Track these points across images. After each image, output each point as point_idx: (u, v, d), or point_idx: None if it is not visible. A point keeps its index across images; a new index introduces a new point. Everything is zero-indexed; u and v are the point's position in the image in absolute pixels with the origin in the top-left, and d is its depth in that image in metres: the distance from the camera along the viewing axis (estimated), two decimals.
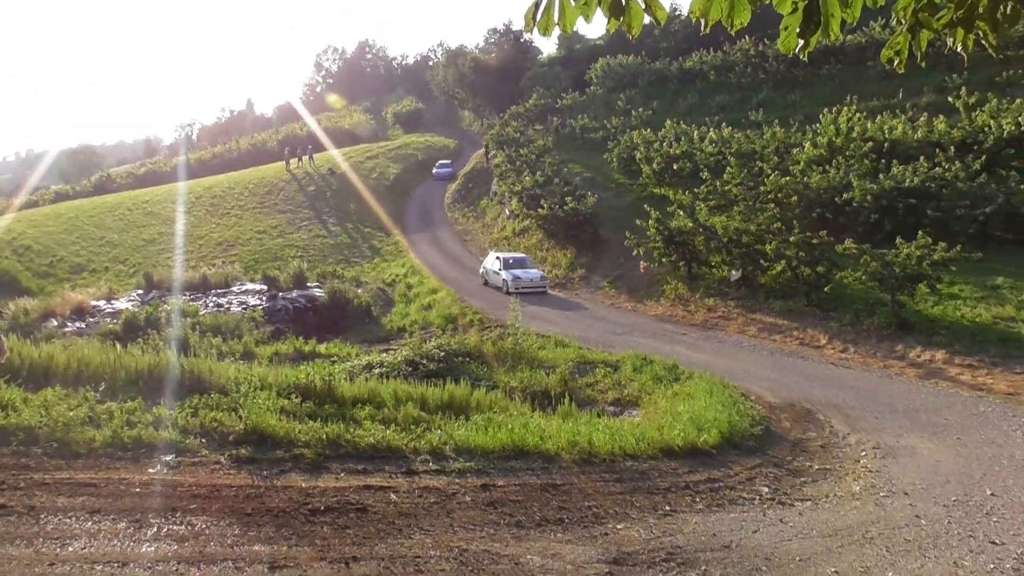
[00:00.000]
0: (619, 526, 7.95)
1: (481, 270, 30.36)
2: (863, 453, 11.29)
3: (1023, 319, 17.83)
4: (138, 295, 27.89)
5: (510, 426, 10.76)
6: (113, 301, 26.52)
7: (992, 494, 9.33)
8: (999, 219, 21.94)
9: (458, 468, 9.09)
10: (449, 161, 52.69)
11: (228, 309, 25.97)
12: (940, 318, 18.87)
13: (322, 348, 20.35)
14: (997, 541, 7.87)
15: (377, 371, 15.72)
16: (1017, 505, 8.94)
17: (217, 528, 6.48)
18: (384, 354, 18.53)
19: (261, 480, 7.94)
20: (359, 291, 29.33)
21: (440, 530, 7.26)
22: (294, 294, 28.10)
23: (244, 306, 26.56)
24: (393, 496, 7.96)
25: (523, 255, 30.63)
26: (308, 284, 29.76)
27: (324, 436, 9.23)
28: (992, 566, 7.25)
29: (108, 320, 22.36)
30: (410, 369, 15.99)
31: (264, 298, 27.71)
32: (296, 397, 10.70)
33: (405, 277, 31.63)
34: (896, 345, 18.17)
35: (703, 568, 6.87)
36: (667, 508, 8.68)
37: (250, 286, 29.89)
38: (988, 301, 19.10)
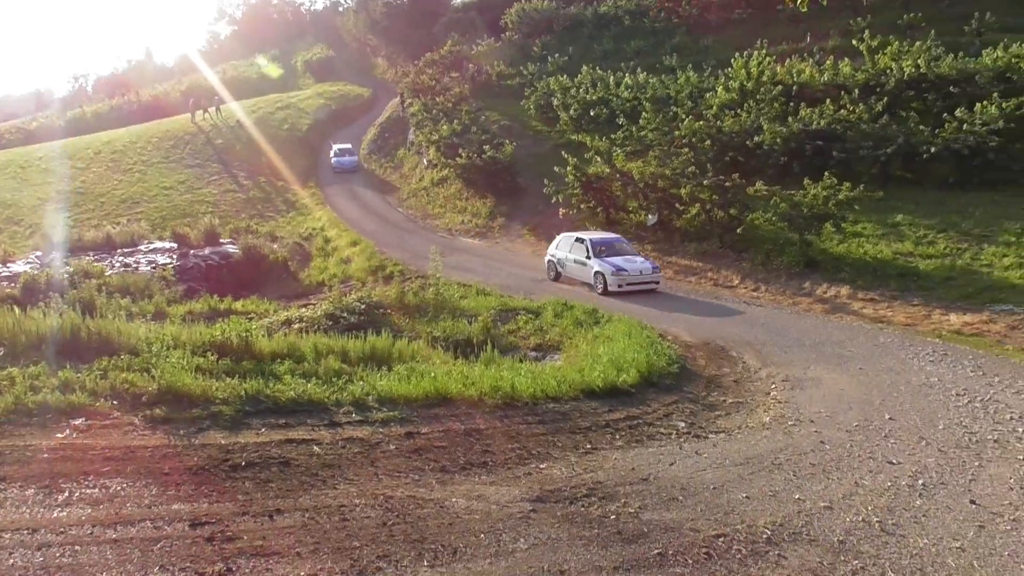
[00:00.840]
0: (542, 466, 8.14)
1: (549, 258, 22.23)
2: (773, 386, 11.78)
3: (920, 254, 18.76)
4: (37, 257, 26.52)
5: (433, 374, 10.81)
6: (9, 264, 25.16)
7: (890, 418, 9.90)
8: (899, 159, 22.84)
9: (382, 418, 9.10)
10: (350, 146, 42.93)
11: (136, 269, 24.99)
12: (844, 255, 19.68)
13: (238, 305, 19.85)
14: (894, 461, 8.39)
15: (297, 326, 15.47)
16: (912, 427, 9.52)
17: (133, 489, 6.35)
18: (303, 309, 18.24)
19: (178, 439, 7.78)
20: (275, 246, 28.63)
21: (365, 479, 7.29)
22: (206, 251, 27.21)
23: (153, 265, 25.61)
24: (316, 448, 7.93)
25: (614, 235, 22.12)
26: (221, 241, 28.85)
27: (243, 392, 9.08)
28: (889, 484, 7.73)
29: (4, 284, 21.23)
30: (330, 323, 15.80)
31: (174, 256, 26.76)
32: (212, 355, 10.46)
33: (322, 231, 31.03)
34: (804, 283, 18.91)
35: (623, 501, 7.11)
36: (588, 446, 8.91)
37: (159, 244, 28.80)
38: (888, 238, 20.00)
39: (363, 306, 17.01)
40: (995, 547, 6.29)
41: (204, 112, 48.18)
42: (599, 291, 19.56)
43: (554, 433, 9.32)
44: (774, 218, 20.73)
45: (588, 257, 20.38)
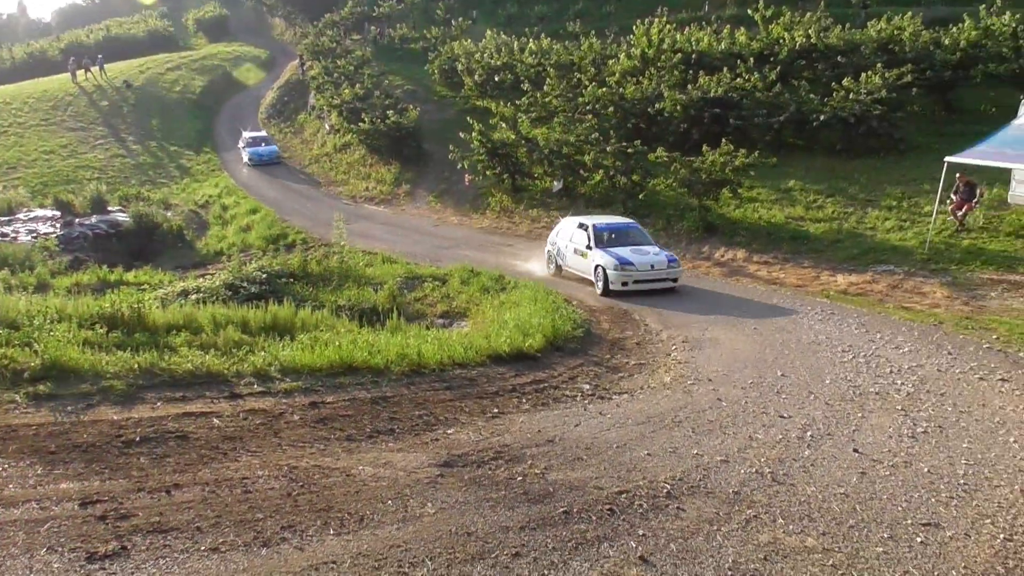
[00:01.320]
0: (449, 431, 8.18)
1: (549, 247, 18.92)
2: (674, 347, 12.15)
3: (810, 218, 19.59)
4: None
5: (338, 343, 10.65)
6: None
7: (782, 375, 10.37)
8: (791, 126, 23.68)
9: (285, 388, 8.94)
10: (265, 133, 37.01)
11: (15, 239, 23.56)
12: (741, 220, 20.38)
13: (130, 276, 19.02)
14: (785, 415, 8.81)
15: (193, 297, 14.93)
16: (802, 383, 10.01)
17: (16, 470, 6.03)
18: (201, 279, 17.63)
19: (65, 416, 7.43)
20: (168, 214, 27.45)
21: (268, 450, 7.16)
22: (93, 220, 25.84)
23: (34, 235, 24.20)
24: (216, 421, 7.73)
25: (627, 220, 18.59)
26: (109, 208, 27.47)
27: (136, 366, 8.72)
28: (780, 436, 8.12)
29: None
30: (230, 293, 15.33)
31: (58, 225, 25.33)
32: (101, 327, 9.99)
33: (220, 198, 29.96)
34: (703, 247, 19.50)
35: (529, 462, 7.23)
36: (495, 411, 9.00)
37: (40, 212, 27.18)
38: (782, 203, 20.79)
39: (264, 275, 16.58)
40: (875, 491, 6.70)
41: (86, 72, 45.45)
42: (601, 291, 16.18)
43: (461, 399, 9.37)
44: (674, 184, 21.22)
45: (591, 246, 16.93)
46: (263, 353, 9.96)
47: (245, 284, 15.84)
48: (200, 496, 5.84)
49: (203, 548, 5.12)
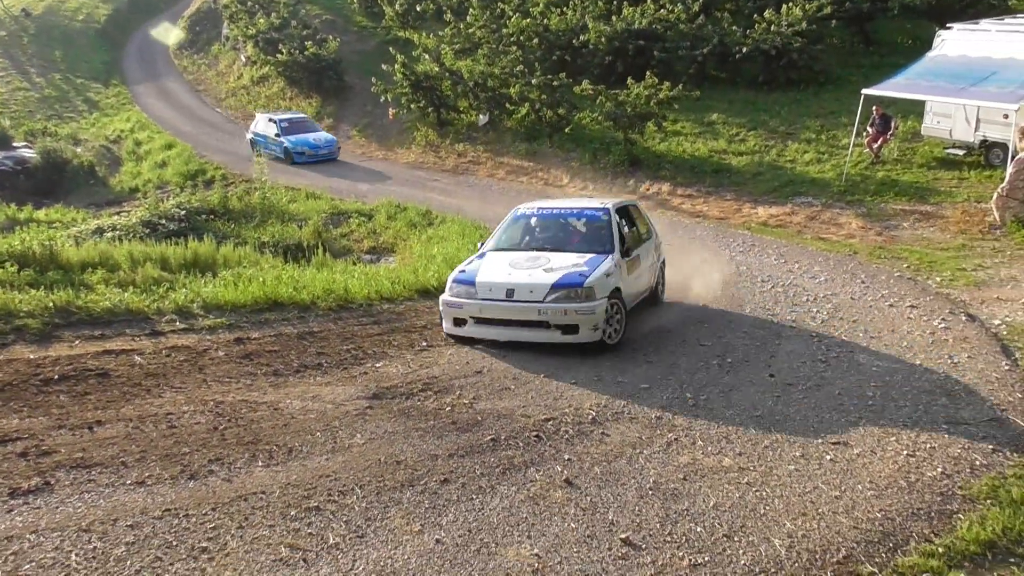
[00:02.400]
0: (378, 364, 8.20)
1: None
2: None
3: (732, 151, 19.94)
4: None
5: (262, 279, 10.47)
6: None
7: (703, 305, 10.68)
8: (714, 59, 23.86)
9: (208, 325, 8.76)
10: (305, 115, 26.85)
11: None
12: (665, 153, 20.60)
13: (41, 214, 18.18)
14: (705, 343, 9.13)
15: (109, 234, 14.42)
16: (721, 313, 10.36)
17: None
18: (116, 217, 17.00)
19: None
20: (78, 150, 26.17)
21: (193, 386, 7.06)
22: None
23: None
24: (138, 358, 7.55)
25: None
26: (15, 144, 25.97)
27: (51, 304, 8.40)
28: (701, 363, 8.42)
29: None
30: (148, 231, 14.85)
31: None
32: (11, 265, 9.59)
33: (132, 133, 28.67)
34: (629, 180, 19.69)
35: (457, 393, 7.33)
36: (424, 344, 9.03)
37: None
38: (705, 136, 21.08)
39: (183, 212, 16.11)
40: (789, 413, 7.03)
41: None
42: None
43: (389, 333, 9.36)
44: (600, 117, 21.24)
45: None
46: (184, 290, 9.72)
47: (163, 221, 15.37)
48: (124, 432, 5.75)
49: (129, 482, 5.07)
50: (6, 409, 5.95)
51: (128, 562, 4.29)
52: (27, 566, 4.15)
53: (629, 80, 20.51)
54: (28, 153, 24.71)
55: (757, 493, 5.53)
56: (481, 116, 24.71)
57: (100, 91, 34.56)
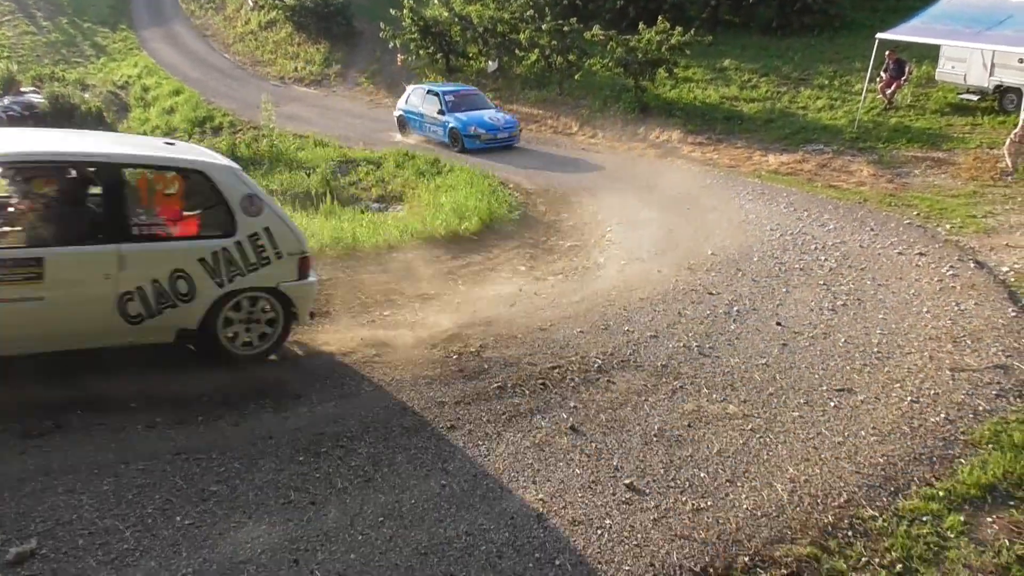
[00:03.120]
0: (385, 313, 8.24)
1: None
2: (608, 228, 12.29)
3: (744, 98, 19.66)
4: None
5: None
6: None
7: (712, 253, 10.63)
8: (728, 3, 23.39)
9: None
10: (471, 87, 21.29)
11: None
12: (676, 100, 20.33)
13: None
14: (714, 292, 9.09)
15: None
16: (731, 260, 10.29)
17: None
18: None
19: None
20: (86, 95, 25.97)
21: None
22: (6, 101, 24.29)
23: None
24: None
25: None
26: (23, 89, 25.81)
27: None
28: (708, 312, 8.41)
29: None
30: None
31: None
32: None
33: (140, 78, 28.40)
34: (639, 128, 19.45)
35: (465, 342, 7.35)
36: (432, 292, 9.07)
37: None
38: (716, 83, 20.76)
39: None
40: (794, 362, 7.05)
41: None
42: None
43: (397, 281, 9.39)
44: (610, 64, 20.89)
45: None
46: None
47: None
48: (133, 377, 5.83)
49: (139, 426, 5.17)
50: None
51: (139, 504, 4.39)
52: (39, 508, 4.25)
53: (641, 25, 20.13)
54: (36, 98, 24.58)
55: (761, 439, 5.59)
56: (490, 62, 24.37)
57: (107, 35, 34.17)
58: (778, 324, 8.02)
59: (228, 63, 30.59)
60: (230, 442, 5.09)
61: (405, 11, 24.41)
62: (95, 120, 24.10)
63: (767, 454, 5.38)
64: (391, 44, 25.56)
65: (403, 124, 20.31)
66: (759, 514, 4.69)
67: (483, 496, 4.79)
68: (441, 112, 18.80)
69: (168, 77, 27.81)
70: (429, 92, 19.56)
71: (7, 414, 5.09)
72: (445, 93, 19.25)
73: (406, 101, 20.28)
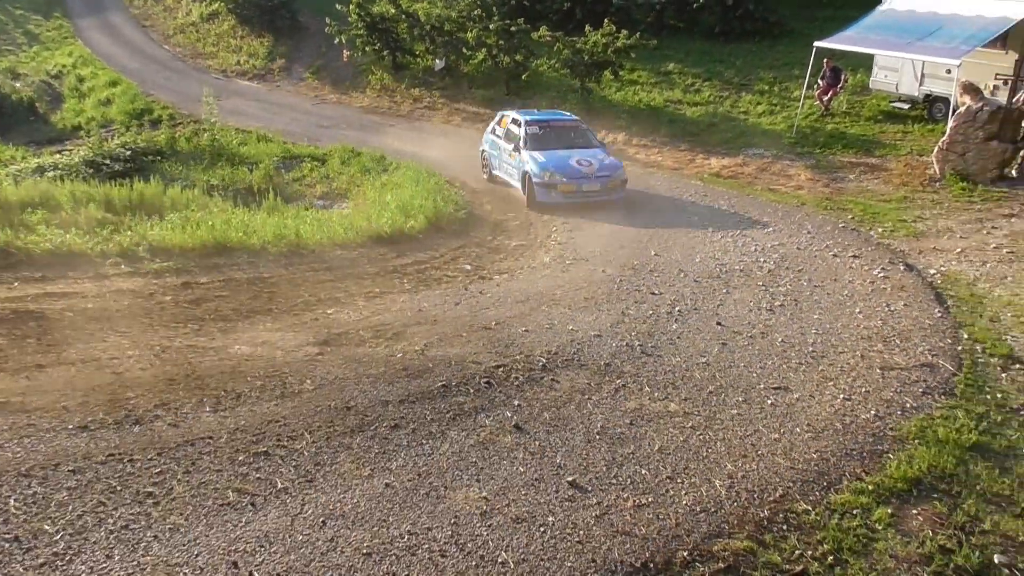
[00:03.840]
0: (329, 311, 8.15)
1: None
2: (554, 229, 12.36)
3: (688, 101, 19.97)
4: None
5: (211, 223, 10.29)
6: None
7: (655, 254, 10.78)
8: (673, 8, 23.75)
9: (155, 269, 8.62)
10: (576, 119, 15.77)
11: None
12: (622, 103, 20.54)
13: None
14: (656, 292, 9.22)
15: (51, 174, 13.93)
16: (674, 262, 10.45)
17: None
18: (58, 155, 16.42)
19: None
20: (17, 85, 25.12)
21: (139, 330, 6.95)
22: None
23: None
24: (80, 302, 7.40)
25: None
26: None
27: None
28: (651, 312, 8.52)
29: None
30: (91, 171, 14.39)
31: None
32: None
33: (75, 68, 27.53)
34: None
35: (409, 340, 7.34)
36: (376, 291, 9.00)
37: None
38: (661, 86, 21.04)
39: (128, 152, 15.63)
40: (733, 360, 7.20)
41: None
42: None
43: (342, 279, 9.30)
44: (557, 64, 21.04)
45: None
46: (130, 233, 9.52)
47: (108, 161, 14.91)
48: (66, 376, 5.66)
49: (71, 427, 5.01)
50: None
51: (70, 507, 4.26)
52: None
53: (587, 27, 20.29)
54: None
55: (701, 437, 5.69)
56: (437, 61, 24.28)
57: (40, 23, 33.02)
58: (718, 324, 8.18)
59: (168, 55, 29.84)
60: (167, 443, 4.98)
61: (352, 6, 24.12)
62: (26, 110, 23.31)
63: (706, 451, 5.49)
64: (337, 40, 25.26)
65: (485, 162, 15.94)
66: (698, 510, 4.78)
67: (427, 495, 4.78)
68: (517, 148, 14.12)
69: (104, 67, 27.03)
70: (513, 120, 14.85)
71: None
72: (529, 122, 14.46)
73: (492, 131, 15.76)
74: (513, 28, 21.80)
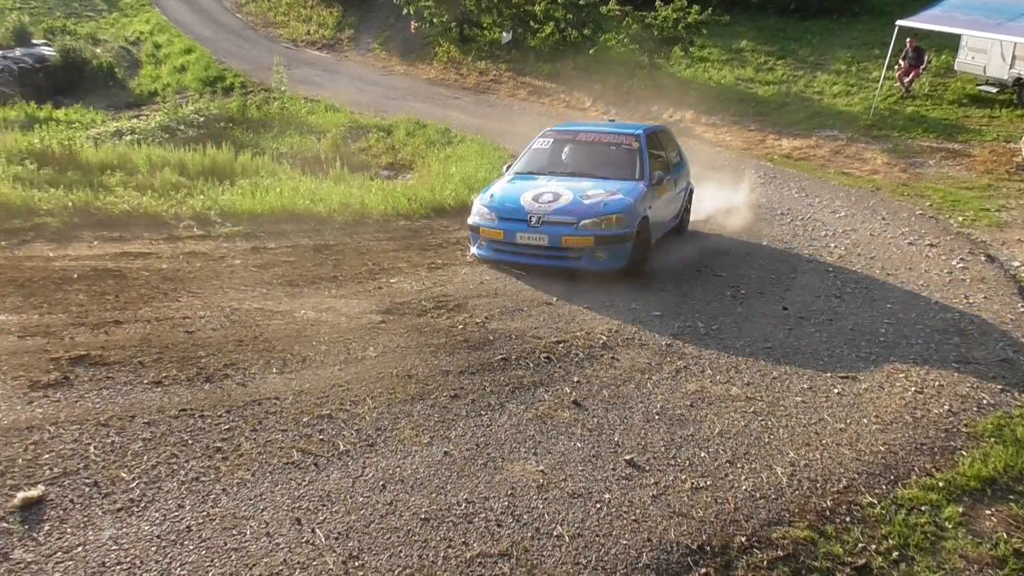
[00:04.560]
0: (392, 280, 8.23)
1: None
2: None
3: (760, 80, 19.50)
4: None
5: (279, 190, 10.47)
6: None
7: (721, 236, 10.59)
8: None
9: (225, 232, 8.82)
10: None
11: None
12: (691, 80, 20.17)
13: (60, 114, 18.11)
14: (721, 274, 9.07)
15: (128, 137, 14.40)
16: (739, 243, 10.26)
17: None
18: (135, 120, 16.93)
19: None
20: (98, 50, 25.87)
21: (209, 292, 7.13)
22: (18, 53, 24.21)
23: None
24: (155, 262, 7.62)
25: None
26: (34, 42, 25.74)
27: (70, 204, 8.48)
28: (715, 293, 8.39)
29: None
30: (166, 135, 14.81)
31: None
32: (31, 163, 9.61)
33: (152, 35, 28.24)
34: (652, 106, 19.31)
35: (471, 312, 7.37)
36: (439, 262, 9.05)
37: None
38: (732, 63, 20.58)
39: (202, 119, 16.01)
40: (799, 346, 7.05)
41: None
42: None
43: (405, 249, 9.38)
44: (626, 40, 20.72)
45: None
46: (202, 197, 9.76)
47: (182, 127, 15.31)
48: (141, 333, 5.84)
49: (146, 381, 5.18)
50: (26, 305, 6.05)
51: (145, 457, 4.41)
52: (47, 456, 4.28)
53: (658, 2, 19.91)
54: (48, 51, 24.49)
55: (763, 422, 5.60)
56: (504, 34, 24.17)
57: None
58: (784, 309, 8.02)
59: (240, 23, 30.36)
60: (235, 401, 5.11)
61: None
62: (106, 75, 24.02)
63: (768, 437, 5.40)
64: (405, 10, 25.32)
65: None
66: (758, 496, 4.71)
67: (484, 465, 4.81)
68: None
69: (180, 35, 27.63)
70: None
71: (15, 364, 5.11)
72: (547, 132, 10.41)
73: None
74: (582, 2, 21.56)
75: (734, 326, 7.50)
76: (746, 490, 4.76)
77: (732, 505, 4.61)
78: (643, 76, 20.14)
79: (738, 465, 5.02)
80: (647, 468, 4.93)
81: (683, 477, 4.85)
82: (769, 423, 5.59)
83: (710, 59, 20.97)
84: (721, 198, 12.35)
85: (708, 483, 4.80)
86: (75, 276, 6.79)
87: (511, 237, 8.51)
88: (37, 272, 6.75)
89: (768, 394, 6.06)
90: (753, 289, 8.59)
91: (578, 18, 21.69)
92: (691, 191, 11.01)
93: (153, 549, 3.74)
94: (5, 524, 3.76)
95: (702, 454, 5.13)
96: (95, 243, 7.88)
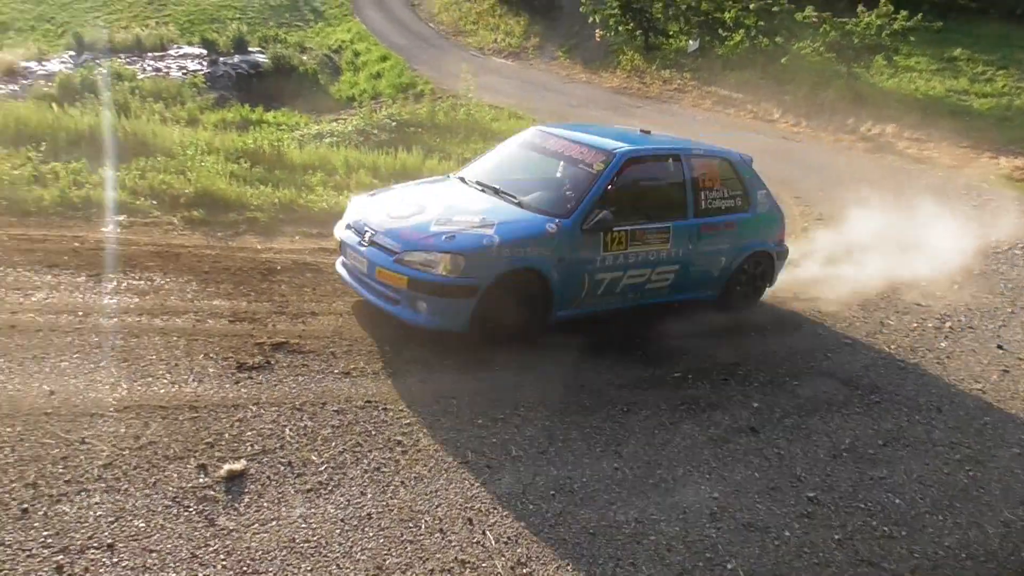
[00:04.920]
0: None
1: None
2: (806, 223, 11.64)
3: (976, 92, 17.94)
4: (70, 56, 26.10)
5: None
6: (44, 63, 24.83)
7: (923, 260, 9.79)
8: None
9: None
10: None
11: (167, 74, 24.60)
12: (894, 91, 18.87)
13: (269, 116, 19.67)
14: (923, 303, 8.43)
15: (328, 140, 15.35)
16: (945, 271, 9.45)
17: (176, 284, 6.53)
18: (334, 123, 18.03)
19: (216, 241, 7.94)
20: (304, 58, 27.91)
21: None
22: (236, 59, 26.59)
23: (184, 71, 25.17)
24: None
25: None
26: (250, 49, 28.14)
27: (277, 200, 9.14)
28: (915, 324, 7.78)
29: (42, 82, 21.06)
30: (361, 139, 15.65)
31: (204, 63, 26.23)
32: (245, 162, 10.45)
33: (352, 44, 30.07)
34: (848, 119, 18.25)
35: (650, 323, 7.21)
36: None
37: (188, 50, 28.15)
38: (943, 74, 19.06)
39: (393, 123, 16.76)
40: (1017, 391, 6.38)
41: None
42: None
43: None
44: (821, 48, 19.69)
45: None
46: None
47: (375, 131, 16.11)
48: (334, 325, 6.17)
49: (336, 371, 5.47)
50: (236, 292, 6.56)
51: (333, 443, 4.65)
52: (249, 433, 4.61)
53: (860, 7, 18.78)
54: (261, 59, 26.73)
55: (971, 473, 5.10)
56: (691, 42, 23.70)
57: (326, 1, 36.34)
58: (999, 347, 7.29)
59: (432, 32, 31.66)
60: (416, 397, 5.28)
61: None
62: (310, 81, 25.84)
63: (977, 491, 4.90)
64: (591, 19, 25.42)
65: None
66: (963, 555, 4.28)
67: (655, 485, 4.69)
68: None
69: (377, 43, 29.20)
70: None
71: (224, 347, 5.55)
72: (547, 133, 7.55)
73: None
74: (775, 8, 20.73)
75: (937, 362, 6.94)
76: (949, 546, 4.36)
77: (932, 561, 4.24)
78: (840, 86, 19.05)
79: (939, 517, 4.61)
80: (832, 508, 4.62)
81: (874, 523, 4.51)
82: (978, 475, 5.09)
83: (917, 68, 19.51)
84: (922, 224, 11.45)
85: (903, 532, 4.44)
86: (278, 268, 7.29)
87: (344, 251, 6.52)
88: (247, 263, 7.31)
89: (977, 442, 5.53)
90: (962, 322, 7.89)
91: (770, 25, 20.88)
92: (775, 254, 7.85)
93: (337, 532, 3.94)
94: (212, 492, 4.08)
95: (896, 500, 4.75)
96: (296, 238, 8.44)
